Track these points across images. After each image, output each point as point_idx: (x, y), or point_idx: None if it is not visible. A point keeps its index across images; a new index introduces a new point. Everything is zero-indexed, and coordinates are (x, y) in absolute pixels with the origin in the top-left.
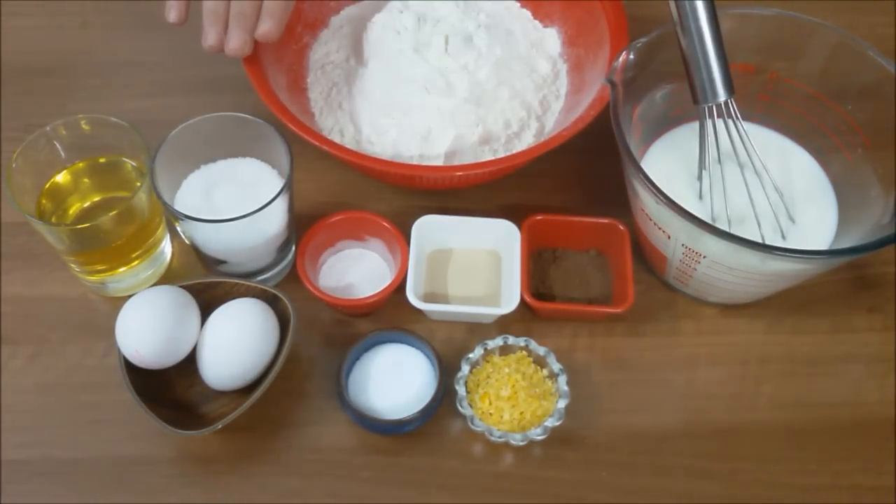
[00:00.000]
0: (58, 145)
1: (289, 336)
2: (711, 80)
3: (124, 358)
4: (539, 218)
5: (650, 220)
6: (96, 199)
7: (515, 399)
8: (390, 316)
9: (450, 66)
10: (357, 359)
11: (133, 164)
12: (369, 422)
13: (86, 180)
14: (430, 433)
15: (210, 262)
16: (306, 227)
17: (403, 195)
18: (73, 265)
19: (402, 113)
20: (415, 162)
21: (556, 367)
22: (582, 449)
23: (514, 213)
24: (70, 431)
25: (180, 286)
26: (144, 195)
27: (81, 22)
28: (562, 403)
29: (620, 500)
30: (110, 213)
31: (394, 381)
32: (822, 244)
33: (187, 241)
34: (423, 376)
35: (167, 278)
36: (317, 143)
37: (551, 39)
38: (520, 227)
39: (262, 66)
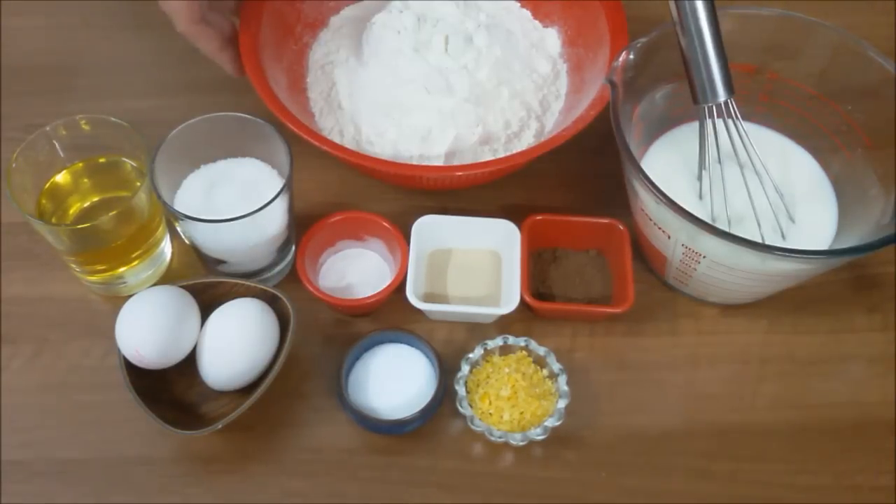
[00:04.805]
0: (58, 145)
1: (289, 336)
2: (711, 80)
3: (124, 358)
4: (539, 218)
5: (650, 220)
6: (96, 199)
7: (515, 399)
8: (390, 316)
9: (450, 66)
10: (357, 359)
11: (133, 164)
12: (369, 422)
13: (86, 180)
14: (430, 433)
15: (210, 262)
16: (306, 227)
17: (403, 195)
18: (73, 265)
19: (402, 113)
20: (415, 162)
21: (556, 367)
22: (582, 449)
23: (514, 213)
24: (70, 431)
25: (180, 286)
26: (144, 195)
27: (81, 22)
28: (562, 403)
29: (620, 500)
30: (110, 213)
31: (394, 381)
32: (822, 244)
33: (187, 241)
34: (423, 376)
35: (167, 278)
36: (317, 143)
37: (551, 39)
38: (520, 227)
39: (262, 66)
